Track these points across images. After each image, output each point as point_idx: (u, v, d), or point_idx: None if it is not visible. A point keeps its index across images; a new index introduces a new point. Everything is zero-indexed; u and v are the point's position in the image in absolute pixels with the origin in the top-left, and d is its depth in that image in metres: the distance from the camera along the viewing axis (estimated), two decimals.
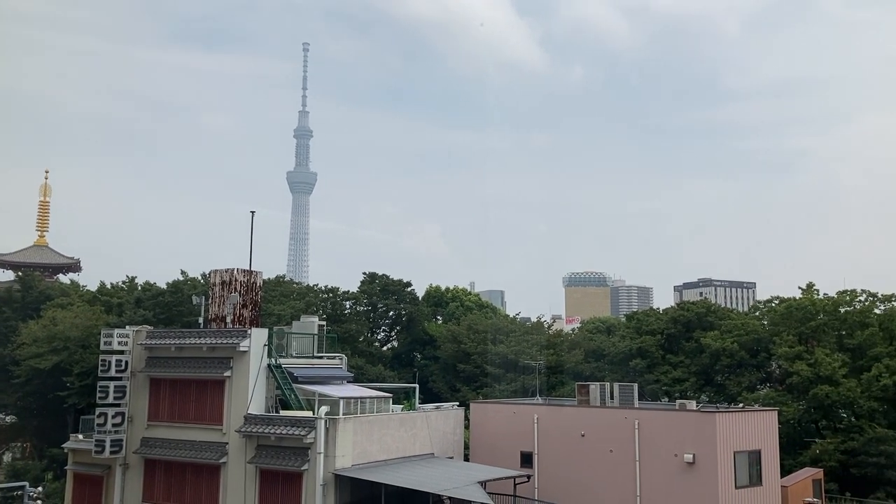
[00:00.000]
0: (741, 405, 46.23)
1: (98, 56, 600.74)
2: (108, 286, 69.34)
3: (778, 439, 36.35)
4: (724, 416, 34.19)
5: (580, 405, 38.76)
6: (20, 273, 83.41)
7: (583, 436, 36.19)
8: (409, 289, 73.34)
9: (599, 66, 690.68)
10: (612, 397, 38.59)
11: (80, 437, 36.79)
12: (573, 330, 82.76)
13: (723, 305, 77.73)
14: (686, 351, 58.01)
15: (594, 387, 39.26)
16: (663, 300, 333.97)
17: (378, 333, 74.85)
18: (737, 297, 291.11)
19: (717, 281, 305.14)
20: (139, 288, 65.55)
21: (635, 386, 39.53)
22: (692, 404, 37.13)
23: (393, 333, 75.14)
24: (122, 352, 34.84)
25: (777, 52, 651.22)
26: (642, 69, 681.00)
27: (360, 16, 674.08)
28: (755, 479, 33.95)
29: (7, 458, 69.88)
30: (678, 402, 38.66)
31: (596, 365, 60.14)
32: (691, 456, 32.83)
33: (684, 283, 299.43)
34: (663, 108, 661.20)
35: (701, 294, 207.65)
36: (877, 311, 53.89)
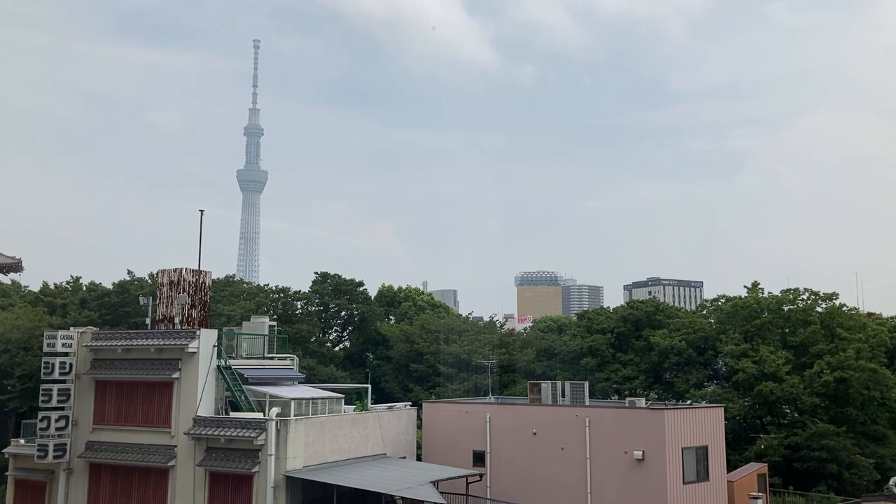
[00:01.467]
0: (689, 402, 47.19)
1: (39, 50, 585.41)
2: (52, 286, 67.49)
3: (724, 435, 37.15)
4: (673, 413, 34.80)
5: (532, 404, 39.05)
6: None
7: (534, 434, 36.48)
8: (361, 288, 73.03)
9: (550, 66, 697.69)
10: (563, 396, 38.96)
11: (22, 441, 35.74)
12: (525, 329, 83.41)
13: (671, 304, 79.12)
14: (636, 349, 58.88)
15: (546, 385, 39.59)
16: (613, 299, 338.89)
17: (330, 334, 74.37)
18: (685, 296, 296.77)
19: (666, 280, 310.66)
20: (84, 288, 64.01)
21: (586, 384, 39.98)
22: (641, 402, 37.69)
23: (345, 333, 74.73)
24: (66, 354, 33.95)
25: (722, 55, 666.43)
26: (592, 70, 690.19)
27: (309, 13, 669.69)
28: (702, 474, 34.65)
29: None
30: (628, 399, 39.23)
31: (547, 364, 60.67)
32: (641, 452, 33.34)
33: (634, 283, 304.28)
34: (612, 109, 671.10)
35: (650, 293, 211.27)
36: (819, 309, 55.45)
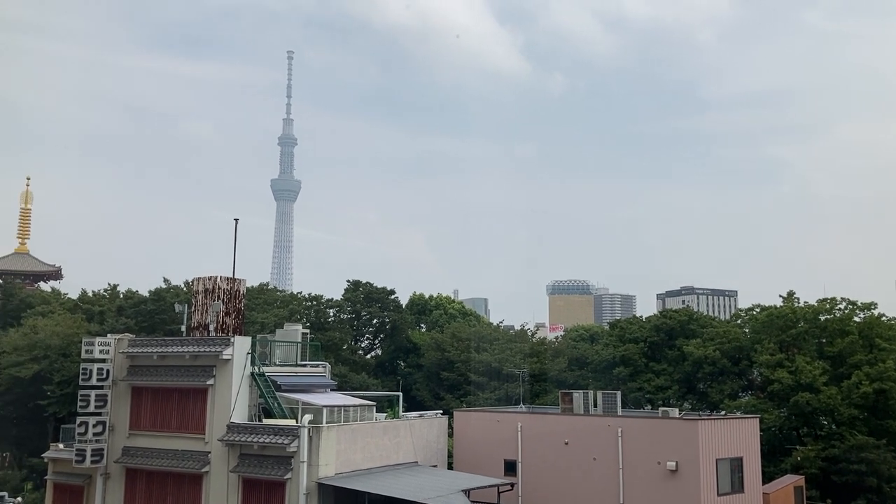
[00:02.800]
0: (723, 413, 46.59)
1: (79, 62, 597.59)
2: (90, 294, 68.83)
3: (759, 446, 36.62)
4: (707, 423, 34.40)
5: (564, 413, 38.84)
6: (1, 280, 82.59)
7: (566, 444, 36.28)
8: (392, 296, 73.29)
9: (580, 74, 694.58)
10: (595, 405, 38.71)
11: (61, 446, 36.43)
12: (556, 338, 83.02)
13: (705, 313, 78.22)
14: (669, 359, 58.29)
15: (578, 395, 39.37)
16: (646, 308, 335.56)
17: (362, 341, 74.70)
18: (719, 306, 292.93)
19: (700, 289, 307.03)
20: (121, 296, 65.11)
21: (618, 394, 39.69)
22: (675, 412, 37.32)
23: (376, 341, 75.00)
24: (103, 360, 34.55)
25: (755, 62, 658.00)
26: (622, 78, 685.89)
27: (340, 24, 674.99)
28: (737, 486, 34.17)
29: None
30: (661, 409, 38.83)
31: (579, 373, 60.31)
32: (674, 463, 32.99)
33: (667, 292, 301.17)
34: (643, 117, 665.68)
35: (683, 302, 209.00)
36: (856, 319, 54.43)
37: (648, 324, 63.10)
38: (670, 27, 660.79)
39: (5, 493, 45.88)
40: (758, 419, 38.65)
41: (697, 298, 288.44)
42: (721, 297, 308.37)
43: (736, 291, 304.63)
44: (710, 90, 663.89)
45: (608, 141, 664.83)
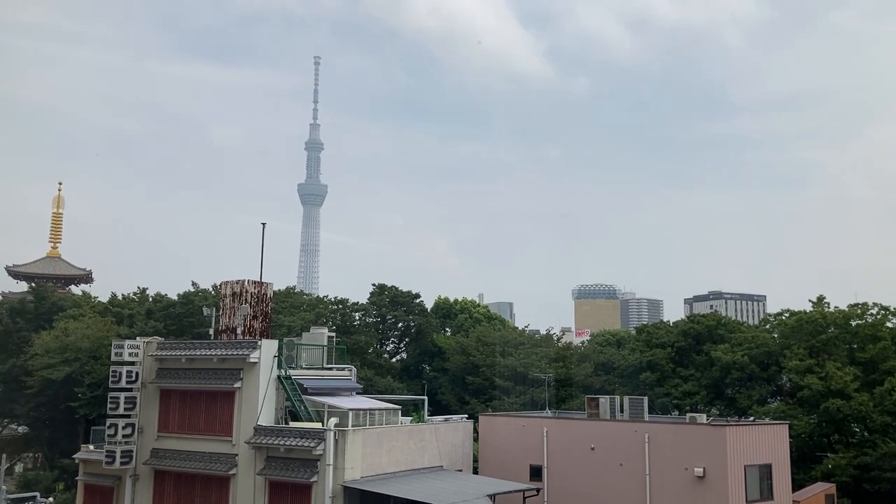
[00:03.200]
0: (752, 419, 46.01)
1: (112, 69, 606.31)
2: (120, 297, 69.73)
3: (789, 453, 36.16)
4: (735, 429, 34.04)
5: (590, 418, 38.65)
6: (33, 284, 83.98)
7: (592, 449, 36.09)
8: (417, 300, 73.39)
9: (606, 78, 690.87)
10: (621, 411, 38.48)
11: (91, 447, 36.94)
12: (583, 343, 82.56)
13: (733, 318, 77.39)
14: (696, 364, 57.77)
15: (604, 400, 39.17)
16: (674, 313, 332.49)
17: (387, 345, 74.88)
18: (747, 310, 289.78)
19: (728, 294, 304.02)
20: (150, 299, 65.88)
21: (645, 399, 39.42)
22: (702, 418, 36.97)
23: (402, 345, 75.14)
24: (132, 363, 35.00)
25: (784, 64, 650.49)
26: (648, 81, 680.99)
27: (366, 30, 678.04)
28: (766, 493, 33.76)
29: (19, 468, 70.17)
30: (688, 415, 38.51)
31: (606, 378, 59.95)
32: (701, 470, 32.69)
33: (695, 296, 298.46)
34: (670, 120, 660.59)
35: (711, 307, 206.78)
36: (889, 324, 53.54)
37: (676, 329, 62.60)
38: (697, 29, 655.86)
39: (37, 493, 46.60)
40: (787, 425, 38.17)
41: (725, 303, 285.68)
42: (749, 302, 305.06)
43: (764, 296, 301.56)
44: (738, 93, 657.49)
45: (635, 144, 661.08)
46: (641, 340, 63.56)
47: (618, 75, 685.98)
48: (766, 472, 33.96)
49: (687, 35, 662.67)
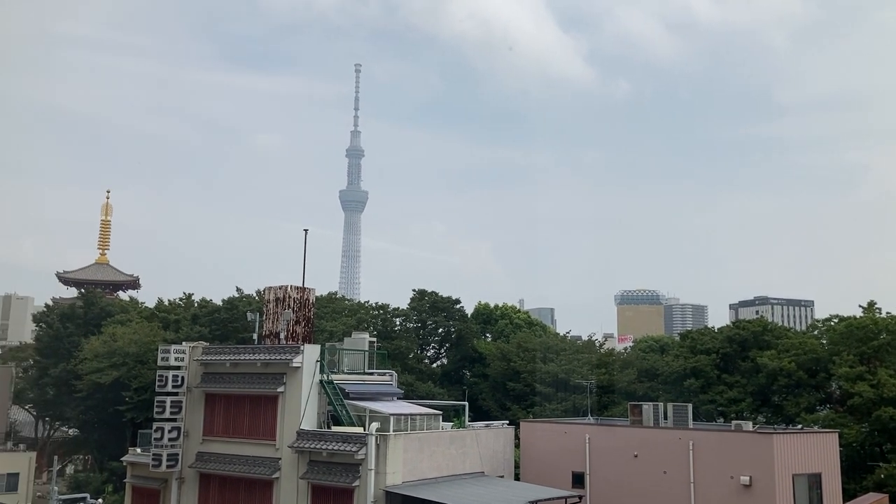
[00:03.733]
0: (799, 427, 45.07)
1: (154, 78, 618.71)
2: (166, 303, 70.92)
3: (839, 462, 35.29)
4: (782, 437, 33.36)
5: (633, 425, 38.23)
6: (83, 290, 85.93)
7: (636, 456, 35.66)
8: (457, 306, 73.38)
9: (647, 80, 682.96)
10: (665, 417, 37.99)
11: (139, 450, 37.64)
12: (625, 349, 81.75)
13: (780, 324, 75.89)
14: (742, 371, 56.76)
15: (647, 407, 38.73)
16: (718, 319, 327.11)
17: (428, 350, 74.97)
18: (794, 316, 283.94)
19: (774, 299, 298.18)
20: (195, 305, 66.90)
21: (689, 406, 38.86)
22: (748, 425, 36.31)
23: (442, 350, 75.17)
24: (178, 367, 35.60)
25: (831, 65, 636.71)
26: (691, 84, 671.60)
27: (404, 37, 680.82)
28: (815, 502, 33.00)
29: (70, 469, 71.87)
30: (734, 422, 37.84)
31: (649, 384, 59.22)
32: (748, 478, 32.08)
33: (740, 302, 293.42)
34: (714, 123, 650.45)
35: (757, 312, 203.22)
36: None
37: (720, 334, 61.57)
38: (740, 30, 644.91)
39: (87, 495, 47.55)
40: (837, 434, 37.24)
41: (772, 308, 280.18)
42: (797, 308, 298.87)
43: (812, 301, 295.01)
44: (782, 94, 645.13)
45: (677, 147, 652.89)
46: (685, 346, 62.64)
47: (659, 78, 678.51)
48: (815, 481, 33.19)
49: (729, 36, 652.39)
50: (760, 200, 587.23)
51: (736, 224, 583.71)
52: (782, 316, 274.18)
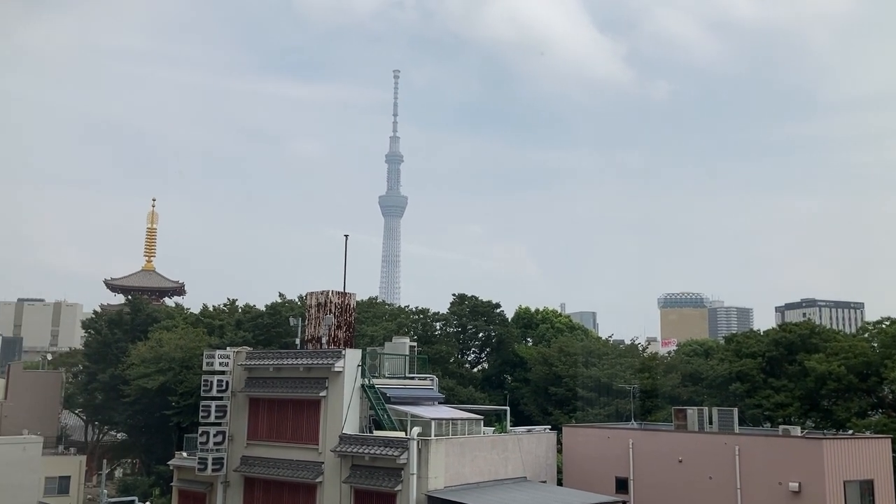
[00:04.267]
0: (850, 432, 44.02)
1: (198, 88, 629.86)
2: (211, 308, 71.93)
3: (892, 469, 34.34)
4: (832, 442, 32.58)
5: (677, 430, 37.71)
6: (130, 296, 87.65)
7: (680, 462, 35.17)
8: (498, 310, 73.19)
9: (687, 81, 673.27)
10: (710, 422, 37.43)
11: (185, 454, 38.22)
12: (669, 353, 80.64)
13: (828, 327, 74.28)
14: (789, 374, 55.64)
15: (692, 411, 38.19)
16: (764, 322, 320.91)
17: (468, 355, 74.90)
18: (843, 318, 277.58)
19: (822, 301, 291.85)
20: (239, 310, 67.74)
21: (735, 411, 38.20)
22: (796, 430, 35.58)
23: (483, 355, 75.02)
24: (223, 372, 36.07)
25: (874, 62, 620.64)
26: (731, 83, 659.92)
27: (442, 42, 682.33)
28: None
29: (118, 473, 73.28)
30: (781, 427, 37.11)
31: (693, 389, 58.35)
32: (797, 485, 31.40)
33: (786, 304, 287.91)
34: (756, 123, 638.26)
35: (804, 315, 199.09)
36: None
37: (766, 338, 60.45)
38: (780, 28, 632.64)
39: (135, 498, 48.46)
40: (889, 439, 36.26)
41: (819, 311, 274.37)
42: (846, 310, 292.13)
43: (862, 303, 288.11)
44: (827, 92, 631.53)
45: (718, 148, 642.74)
46: (730, 350, 61.63)
47: (698, 78, 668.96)
48: (867, 488, 32.33)
49: (770, 35, 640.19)
50: (805, 200, 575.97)
51: (780, 225, 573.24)
52: (830, 318, 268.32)
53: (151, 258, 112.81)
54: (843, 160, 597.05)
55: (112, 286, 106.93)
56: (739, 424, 38.04)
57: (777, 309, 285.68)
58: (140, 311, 73.10)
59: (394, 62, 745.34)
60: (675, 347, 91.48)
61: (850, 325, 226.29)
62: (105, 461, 60.00)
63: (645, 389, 58.94)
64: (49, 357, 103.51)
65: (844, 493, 31.39)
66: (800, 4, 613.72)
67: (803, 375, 54.24)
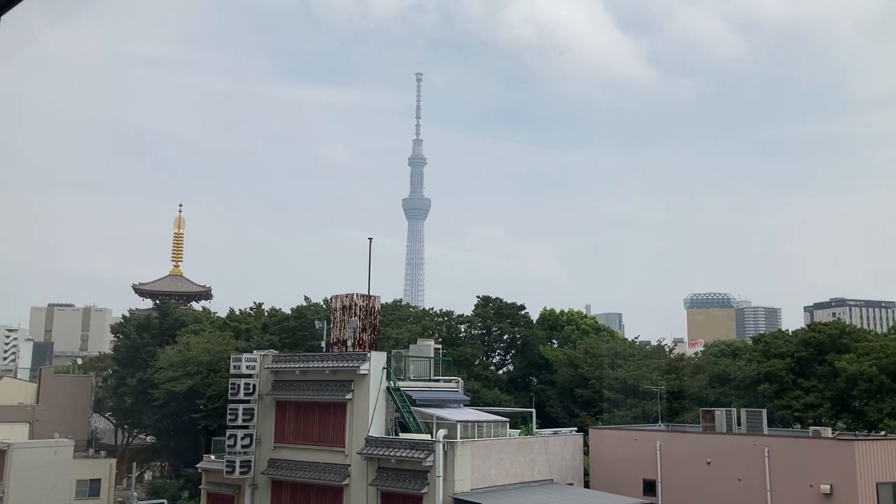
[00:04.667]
0: (883, 433, 43.34)
1: (223, 94, 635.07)
2: (237, 312, 72.40)
3: None
4: (864, 444, 32.10)
5: (705, 432, 37.37)
6: (158, 301, 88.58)
7: (708, 463, 34.83)
8: (522, 312, 73.01)
9: (711, 79, 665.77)
10: (738, 424, 37.04)
11: (212, 457, 38.51)
12: (696, 354, 79.94)
13: (859, 326, 73.23)
14: (819, 375, 54.92)
15: (720, 413, 37.82)
16: (792, 322, 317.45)
17: (493, 357, 74.78)
18: (874, 318, 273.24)
19: (852, 300, 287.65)
20: (265, 314, 68.19)
21: (764, 412, 37.80)
22: (827, 431, 35.11)
23: (508, 357, 74.87)
24: (249, 375, 36.31)
25: None
26: (757, 81, 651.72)
27: (462, 44, 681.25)
28: None
29: (148, 476, 74.02)
30: (811, 429, 36.63)
31: (721, 390, 57.79)
32: (828, 487, 30.97)
33: (815, 304, 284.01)
34: (782, 121, 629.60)
35: (834, 315, 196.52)
36: None
37: (795, 338, 59.75)
38: (807, 25, 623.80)
39: (164, 501, 48.94)
40: None
41: (850, 310, 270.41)
42: (876, 309, 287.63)
43: (893, 303, 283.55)
44: (854, 89, 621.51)
45: (744, 147, 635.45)
46: (758, 350, 61.01)
47: (723, 76, 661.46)
48: None
49: (795, 32, 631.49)
50: (833, 198, 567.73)
51: (808, 224, 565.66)
52: (861, 318, 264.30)
53: (179, 263, 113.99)
54: (873, 158, 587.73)
55: (140, 291, 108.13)
56: (768, 426, 37.63)
57: (806, 309, 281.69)
58: (168, 316, 73.84)
59: (415, 65, 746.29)
60: (702, 348, 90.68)
61: (881, 325, 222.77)
62: (134, 464, 60.66)
63: (672, 391, 58.47)
64: (79, 361, 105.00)
65: (877, 495, 30.90)
66: (826, 1, 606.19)
67: (834, 376, 53.54)
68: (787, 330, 66.69)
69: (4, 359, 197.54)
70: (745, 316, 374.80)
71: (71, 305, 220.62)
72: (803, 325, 67.37)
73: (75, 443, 55.17)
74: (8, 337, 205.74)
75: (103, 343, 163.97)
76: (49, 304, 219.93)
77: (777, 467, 32.78)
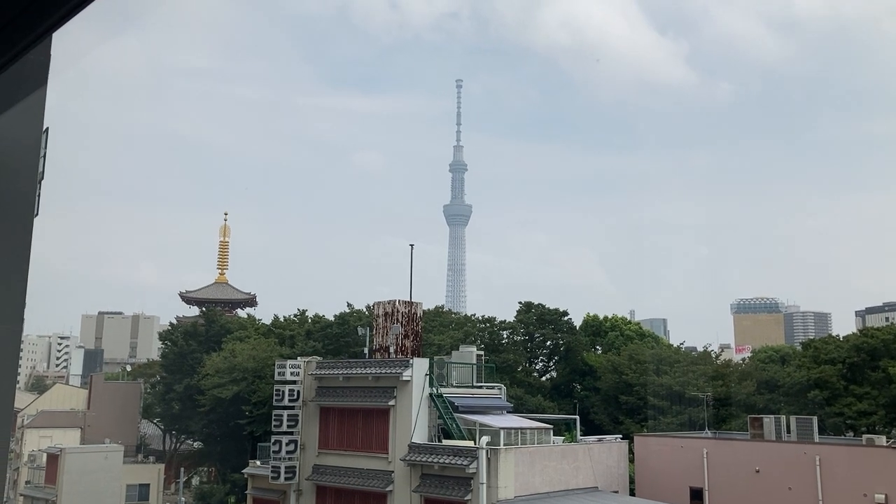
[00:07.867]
0: None
1: (263, 104, 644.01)
2: (281, 319, 73.18)
3: None
4: None
5: (753, 439, 36.65)
6: (204, 308, 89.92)
7: (757, 472, 34.13)
8: (565, 318, 72.47)
9: (753, 81, 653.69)
10: (788, 431, 36.26)
11: (258, 463, 38.97)
12: (743, 360, 78.50)
13: None
14: (872, 381, 53.49)
15: (768, 420, 37.07)
16: (843, 327, 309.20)
17: (536, 363, 74.35)
18: None
19: None
20: (309, 320, 68.76)
21: (814, 419, 36.92)
22: (881, 440, 34.12)
23: (551, 363, 74.36)
24: (294, 382, 36.64)
25: None
26: (800, 82, 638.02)
27: (499, 50, 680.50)
28: None
29: (195, 481, 75.18)
30: (865, 437, 35.66)
31: (769, 397, 56.67)
32: (883, 496, 30.11)
33: (867, 308, 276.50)
34: (827, 121, 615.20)
35: (887, 319, 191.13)
36: None
37: (847, 343, 58.33)
38: (849, 24, 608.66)
39: None
40: None
41: None
42: None
43: None
44: None
45: (788, 149, 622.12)
46: (808, 356, 59.68)
47: (765, 77, 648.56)
48: None
49: (838, 31, 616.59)
50: (883, 200, 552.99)
51: (857, 226, 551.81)
52: None
53: (224, 271, 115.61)
54: None
55: (187, 299, 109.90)
56: (819, 433, 36.74)
57: (857, 313, 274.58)
58: (214, 323, 74.92)
59: (452, 72, 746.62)
60: (749, 354, 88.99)
61: None
62: (182, 469, 61.66)
63: (718, 397, 57.50)
64: (128, 368, 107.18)
65: None
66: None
67: (888, 382, 52.13)
68: (837, 335, 65.15)
69: (57, 366, 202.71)
70: (793, 321, 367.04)
71: (120, 313, 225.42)
72: (855, 331, 65.77)
73: (125, 448, 56.30)
74: (60, 344, 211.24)
75: (151, 350, 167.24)
76: (99, 312, 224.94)
77: (829, 476, 31.98)
